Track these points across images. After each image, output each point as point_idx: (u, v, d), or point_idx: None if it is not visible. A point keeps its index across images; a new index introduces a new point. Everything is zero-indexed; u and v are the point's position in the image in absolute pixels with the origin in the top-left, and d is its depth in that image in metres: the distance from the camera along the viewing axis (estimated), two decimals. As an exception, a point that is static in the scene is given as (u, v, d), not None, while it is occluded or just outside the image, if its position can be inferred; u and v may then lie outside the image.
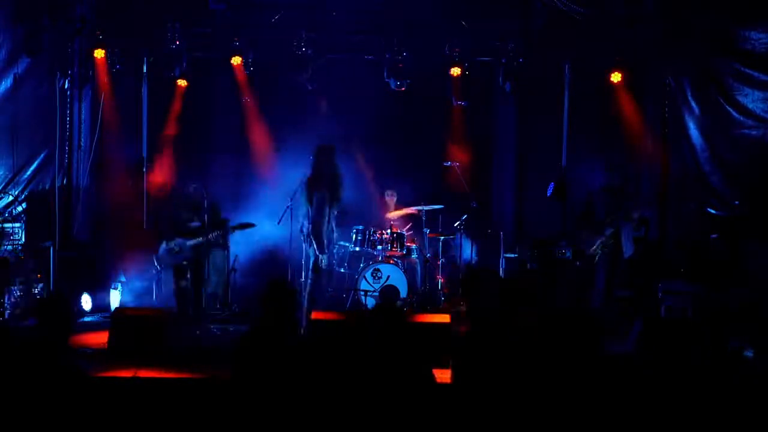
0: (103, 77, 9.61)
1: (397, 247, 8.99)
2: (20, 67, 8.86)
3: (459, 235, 9.51)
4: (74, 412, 3.63)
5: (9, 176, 8.92)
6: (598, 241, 7.65)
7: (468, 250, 9.92)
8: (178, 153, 10.03)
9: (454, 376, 3.83)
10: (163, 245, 7.82)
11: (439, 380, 3.95)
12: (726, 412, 4.69)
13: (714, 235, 8.51)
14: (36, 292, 8.21)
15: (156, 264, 8.46)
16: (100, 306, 8.89)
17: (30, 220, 8.64)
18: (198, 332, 7.56)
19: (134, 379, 5.66)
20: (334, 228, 8.13)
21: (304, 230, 7.94)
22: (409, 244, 9.26)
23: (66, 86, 9.45)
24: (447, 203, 9.42)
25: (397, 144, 10.19)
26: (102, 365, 6.09)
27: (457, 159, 9.64)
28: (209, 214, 7.81)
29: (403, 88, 9.70)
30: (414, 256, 9.36)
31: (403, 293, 8.44)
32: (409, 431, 3.64)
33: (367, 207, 9.74)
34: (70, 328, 4.06)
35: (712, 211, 8.93)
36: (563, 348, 3.81)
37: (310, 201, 7.92)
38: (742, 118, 8.79)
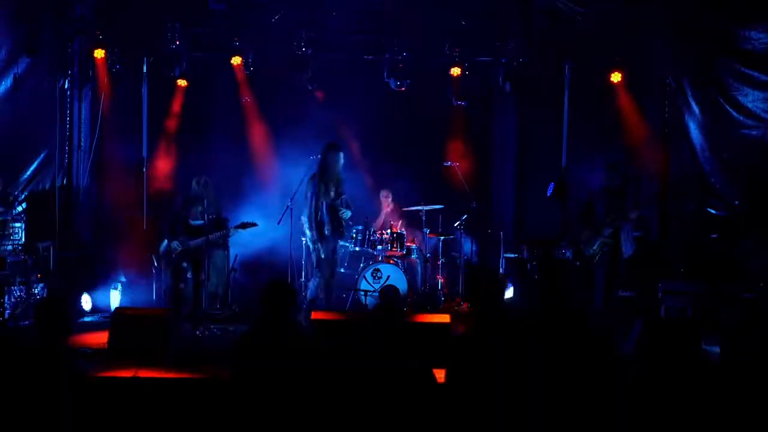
0: (103, 77, 9.61)
1: (397, 247, 8.99)
2: (20, 67, 8.85)
3: (459, 234, 9.53)
4: (73, 413, 3.63)
5: (9, 176, 8.91)
6: (598, 242, 7.65)
7: (468, 250, 9.95)
8: (178, 153, 10.04)
9: (447, 376, 3.83)
10: (164, 243, 7.80)
11: (439, 380, 3.96)
12: (725, 412, 4.69)
13: (714, 235, 8.51)
14: (36, 292, 8.20)
15: (156, 263, 8.48)
16: (100, 306, 8.88)
17: (30, 220, 8.63)
18: (198, 332, 7.56)
19: (134, 379, 5.66)
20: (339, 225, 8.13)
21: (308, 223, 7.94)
22: (409, 244, 9.26)
23: (66, 86, 9.45)
24: (447, 203, 9.42)
25: (397, 144, 10.20)
26: (102, 365, 6.08)
27: (457, 159, 9.65)
28: (214, 211, 7.79)
29: (403, 88, 9.70)
30: (414, 256, 9.36)
31: (403, 293, 8.44)
32: (409, 431, 3.64)
33: (367, 207, 9.75)
34: (68, 330, 4.05)
35: (712, 211, 8.93)
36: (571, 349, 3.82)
37: (316, 196, 7.92)
38: (742, 118, 8.79)
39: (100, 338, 6.97)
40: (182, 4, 9.41)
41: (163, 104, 10.05)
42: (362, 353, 4.01)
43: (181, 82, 9.89)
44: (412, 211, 9.48)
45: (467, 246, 9.90)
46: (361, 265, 8.91)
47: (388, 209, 9.96)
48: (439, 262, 9.57)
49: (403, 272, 8.71)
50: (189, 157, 9.96)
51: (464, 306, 9.48)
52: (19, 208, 8.98)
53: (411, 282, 8.85)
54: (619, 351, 6.46)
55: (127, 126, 9.87)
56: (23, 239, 8.29)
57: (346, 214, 7.98)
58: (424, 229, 9.25)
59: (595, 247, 7.68)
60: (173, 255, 7.73)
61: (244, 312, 8.89)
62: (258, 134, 10.32)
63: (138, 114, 9.92)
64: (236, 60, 9.67)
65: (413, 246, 9.33)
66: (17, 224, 8.29)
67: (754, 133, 8.73)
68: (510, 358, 3.65)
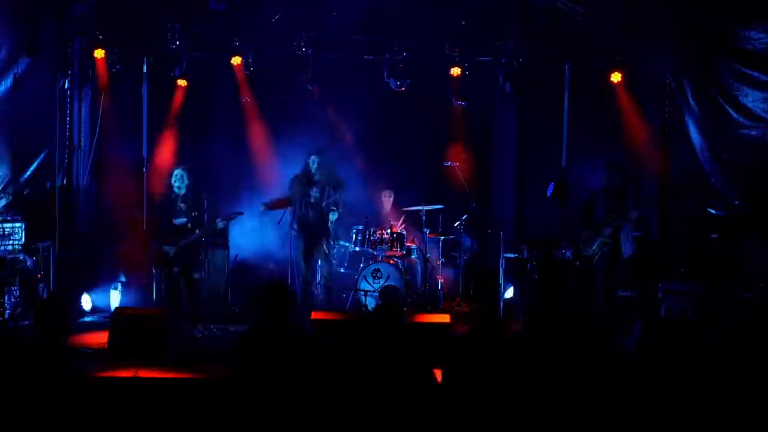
0: (103, 77, 9.59)
1: (397, 247, 8.99)
2: (20, 67, 8.84)
3: (459, 234, 9.54)
4: (73, 413, 3.63)
5: (9, 176, 8.91)
6: (598, 242, 7.65)
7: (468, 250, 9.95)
8: (178, 153, 10.03)
9: (444, 375, 3.83)
10: (154, 247, 7.71)
11: (439, 380, 3.96)
12: (725, 412, 4.68)
13: (714, 235, 8.51)
14: (38, 292, 8.19)
15: (156, 263, 8.46)
16: (100, 306, 8.88)
17: (30, 220, 8.62)
18: (198, 332, 7.56)
19: (134, 379, 5.66)
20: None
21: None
22: (409, 244, 9.26)
23: (66, 86, 9.44)
24: (447, 203, 9.42)
25: (397, 144, 10.20)
26: (102, 365, 6.08)
27: (457, 159, 9.64)
28: (198, 204, 7.68)
29: (403, 88, 9.70)
30: (414, 256, 9.36)
31: (403, 293, 8.44)
32: (409, 431, 3.64)
33: (367, 207, 9.75)
34: (68, 330, 4.05)
35: (712, 211, 8.93)
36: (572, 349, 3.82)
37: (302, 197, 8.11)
38: (742, 118, 8.79)
39: (100, 338, 6.98)
40: (182, 4, 9.40)
41: (163, 104, 10.04)
42: (362, 353, 4.01)
43: (181, 82, 9.88)
44: (412, 211, 9.48)
45: (467, 245, 9.91)
46: (361, 265, 8.91)
47: (390, 209, 9.96)
48: (439, 262, 9.57)
49: (403, 272, 8.71)
50: (189, 157, 9.94)
51: (464, 306, 9.49)
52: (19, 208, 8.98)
53: (411, 282, 8.85)
54: (619, 350, 6.46)
55: (127, 126, 9.85)
56: (23, 239, 8.29)
57: (332, 215, 8.15)
58: (424, 229, 9.25)
59: (594, 247, 7.68)
60: (166, 259, 7.60)
61: (244, 312, 8.89)
62: (258, 134, 10.32)
63: (138, 114, 9.89)
64: (236, 60, 9.66)
65: (413, 246, 9.33)
66: (17, 224, 8.29)
67: (754, 133, 8.72)
68: (510, 359, 3.65)
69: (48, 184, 9.30)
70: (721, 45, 8.91)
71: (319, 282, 8.67)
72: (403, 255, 9.10)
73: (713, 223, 8.77)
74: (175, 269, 7.64)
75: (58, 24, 9.15)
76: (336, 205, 8.19)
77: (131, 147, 9.88)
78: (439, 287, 9.40)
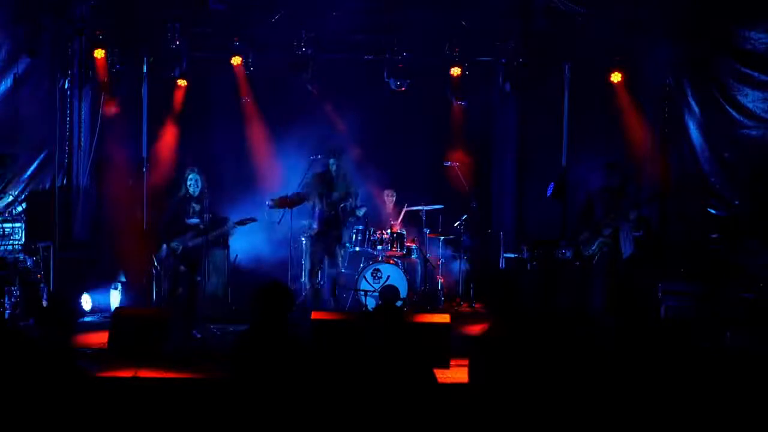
0: (103, 77, 9.59)
1: (397, 247, 8.99)
2: (20, 67, 8.85)
3: (459, 234, 9.54)
4: (76, 413, 3.63)
5: (9, 176, 8.91)
6: (597, 242, 7.65)
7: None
8: (178, 153, 10.03)
9: (472, 375, 3.80)
10: (164, 248, 7.67)
11: (439, 380, 3.95)
12: (725, 413, 4.69)
13: (714, 235, 8.51)
14: (38, 292, 8.19)
15: (156, 264, 8.45)
16: (100, 306, 8.88)
17: (30, 220, 8.62)
18: (198, 332, 7.56)
19: (134, 379, 5.66)
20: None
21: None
22: (409, 244, 9.26)
23: (66, 86, 9.44)
24: (447, 203, 9.42)
25: (397, 144, 10.20)
26: (102, 365, 6.08)
27: (457, 159, 9.65)
28: (209, 206, 7.71)
29: (403, 88, 9.71)
30: (414, 256, 9.36)
31: (403, 293, 8.44)
32: (409, 431, 3.64)
33: (367, 207, 9.75)
34: (73, 330, 4.05)
35: (712, 211, 8.93)
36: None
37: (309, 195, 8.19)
38: (742, 118, 8.79)
39: (100, 338, 6.97)
40: (182, 4, 9.41)
41: (163, 104, 10.05)
42: (362, 353, 4.00)
43: (181, 82, 9.89)
44: (412, 211, 9.48)
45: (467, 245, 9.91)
46: (361, 265, 8.91)
47: (392, 209, 9.95)
48: (439, 262, 9.58)
49: (403, 272, 8.71)
50: (189, 157, 9.94)
51: (464, 306, 9.49)
52: (19, 208, 8.98)
53: (411, 282, 8.85)
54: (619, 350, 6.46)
55: (127, 126, 9.86)
56: (23, 239, 8.29)
57: (358, 211, 8.43)
58: (424, 229, 9.25)
59: (594, 247, 7.68)
60: (173, 257, 7.60)
61: (244, 312, 8.88)
62: (258, 134, 10.32)
63: (138, 114, 9.91)
64: (236, 60, 9.67)
65: (413, 246, 9.33)
66: (17, 224, 8.29)
67: (754, 133, 8.73)
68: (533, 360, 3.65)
69: (48, 184, 9.31)
70: (721, 45, 8.91)
71: (323, 283, 8.66)
72: (403, 255, 9.10)
73: (713, 223, 8.77)
74: (182, 268, 7.64)
75: (58, 24, 9.14)
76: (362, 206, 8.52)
77: (131, 147, 9.89)
78: (439, 287, 9.41)
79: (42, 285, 8.30)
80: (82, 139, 9.73)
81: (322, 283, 8.67)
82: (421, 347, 6.02)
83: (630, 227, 7.66)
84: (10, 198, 8.90)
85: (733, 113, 8.83)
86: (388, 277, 8.64)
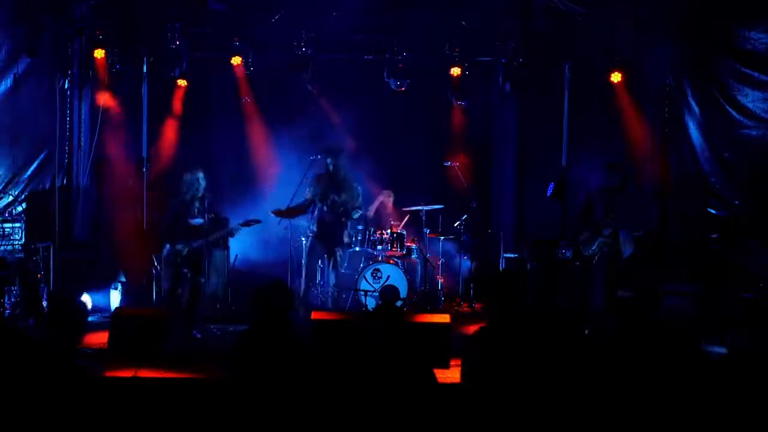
0: (103, 77, 9.60)
1: (397, 247, 8.99)
2: (20, 67, 8.85)
3: (459, 234, 9.54)
4: (76, 413, 3.63)
5: (9, 176, 8.92)
6: (597, 242, 7.65)
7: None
8: (178, 153, 10.03)
9: (464, 376, 3.81)
10: (167, 248, 7.64)
11: (440, 380, 3.95)
12: (726, 413, 4.68)
13: (714, 235, 8.51)
14: (38, 292, 8.19)
15: (156, 264, 8.45)
16: (100, 306, 8.88)
17: (30, 220, 8.63)
18: (198, 332, 7.55)
19: (134, 379, 5.66)
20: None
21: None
22: (409, 244, 9.26)
23: (66, 86, 9.44)
24: (447, 203, 9.42)
25: (396, 144, 10.20)
26: (102, 365, 6.08)
27: (457, 159, 9.64)
28: (210, 207, 7.70)
29: (403, 88, 9.71)
30: (414, 256, 9.36)
31: (403, 293, 8.44)
32: (410, 431, 3.64)
33: (367, 207, 9.75)
34: (84, 331, 4.05)
35: (712, 211, 8.93)
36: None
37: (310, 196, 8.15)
38: (742, 118, 8.79)
39: (100, 338, 6.97)
40: (182, 4, 9.41)
41: (163, 104, 10.05)
42: (362, 353, 4.00)
43: (181, 82, 9.89)
44: (412, 211, 9.47)
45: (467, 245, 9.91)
46: (361, 265, 8.91)
47: (391, 209, 9.95)
48: (439, 262, 9.58)
49: (403, 272, 8.71)
50: (189, 157, 9.95)
51: (464, 306, 9.49)
52: (19, 208, 8.98)
53: (411, 282, 8.85)
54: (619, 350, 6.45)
55: (127, 126, 9.87)
56: (23, 239, 8.29)
57: (355, 214, 8.27)
58: (424, 229, 9.25)
59: (594, 247, 7.68)
60: (178, 259, 7.57)
61: (244, 312, 8.88)
62: (258, 134, 10.31)
63: (138, 114, 9.92)
64: (236, 60, 9.67)
65: (413, 246, 9.33)
66: (17, 224, 8.28)
67: (754, 133, 8.73)
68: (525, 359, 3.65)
69: (48, 184, 9.32)
70: (721, 45, 8.91)
71: (323, 286, 8.65)
72: (403, 255, 9.10)
73: (713, 223, 8.77)
74: (184, 270, 7.62)
75: (58, 24, 9.15)
76: (357, 209, 8.41)
77: (131, 147, 9.89)
78: (439, 287, 9.41)
79: (42, 285, 8.29)
80: (82, 139, 9.74)
81: (321, 283, 8.68)
82: (421, 347, 6.03)
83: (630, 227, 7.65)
84: (10, 198, 8.90)
85: (733, 113, 8.83)
86: (388, 277, 8.64)
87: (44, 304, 8.10)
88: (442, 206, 9.33)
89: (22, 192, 9.07)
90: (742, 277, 7.80)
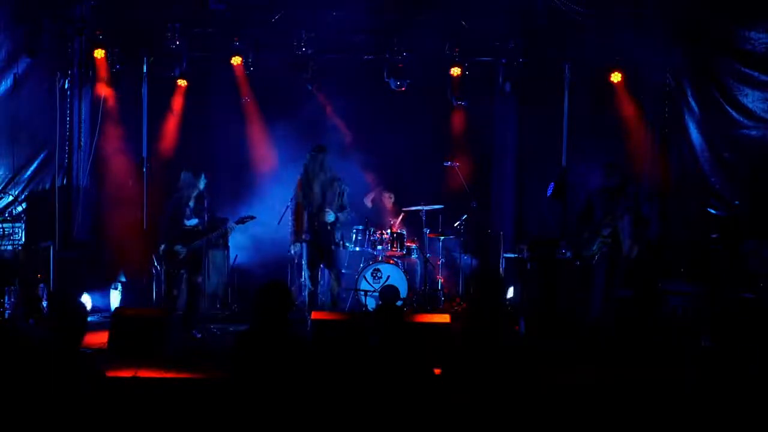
0: (103, 77, 9.61)
1: (397, 247, 8.99)
2: (20, 67, 8.85)
3: (459, 234, 9.53)
4: (76, 413, 3.63)
5: (9, 176, 8.92)
6: (597, 242, 7.65)
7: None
8: (178, 153, 10.03)
9: (443, 370, 3.82)
10: (162, 246, 7.61)
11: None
12: (725, 412, 4.69)
13: (714, 235, 8.51)
14: (38, 292, 8.19)
15: (156, 263, 8.45)
16: (100, 306, 8.89)
17: (30, 220, 8.62)
18: (198, 332, 7.56)
19: (134, 379, 5.66)
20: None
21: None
22: (409, 244, 9.26)
23: (66, 86, 9.45)
24: (447, 203, 9.42)
25: (396, 144, 10.19)
26: (102, 365, 6.07)
27: (457, 159, 9.64)
28: (208, 206, 7.68)
29: (403, 88, 9.71)
30: (414, 256, 9.36)
31: (403, 293, 8.44)
32: (410, 430, 3.64)
33: (367, 207, 9.76)
34: (84, 332, 4.05)
35: (712, 211, 8.93)
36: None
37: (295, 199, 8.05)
38: (742, 118, 8.79)
39: (100, 338, 6.98)
40: (182, 4, 9.41)
41: (163, 104, 10.05)
42: (362, 353, 4.01)
43: (181, 82, 9.89)
44: (411, 210, 9.47)
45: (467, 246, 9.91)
46: (361, 265, 8.91)
47: (390, 210, 9.94)
48: (439, 262, 9.58)
49: (403, 272, 8.71)
50: (189, 157, 9.95)
51: (464, 306, 9.49)
52: (19, 208, 8.98)
53: (411, 282, 8.85)
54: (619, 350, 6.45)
55: (127, 126, 9.87)
56: (23, 239, 8.29)
57: (328, 216, 7.86)
58: (424, 229, 9.25)
59: (594, 247, 7.68)
60: (174, 259, 7.55)
61: (244, 312, 8.89)
62: (257, 134, 10.31)
63: (138, 114, 9.92)
64: (236, 60, 9.67)
65: (413, 246, 9.33)
66: (17, 224, 8.28)
67: (754, 133, 8.73)
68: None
69: (48, 184, 9.32)
70: (721, 45, 8.91)
71: (323, 283, 8.61)
72: (403, 255, 9.10)
73: (713, 223, 8.77)
74: (182, 272, 7.61)
75: (58, 24, 9.15)
76: (341, 208, 8.00)
77: (131, 147, 9.90)
78: (439, 287, 9.40)
79: (42, 285, 8.30)
80: (82, 139, 9.74)
81: (322, 282, 8.64)
82: (421, 347, 6.03)
83: (629, 224, 7.64)
84: (10, 198, 8.90)
85: (733, 113, 8.83)
86: (388, 277, 8.64)
87: (44, 304, 8.10)
88: (442, 206, 9.33)
89: (22, 192, 9.06)
90: (742, 277, 7.80)
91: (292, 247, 8.26)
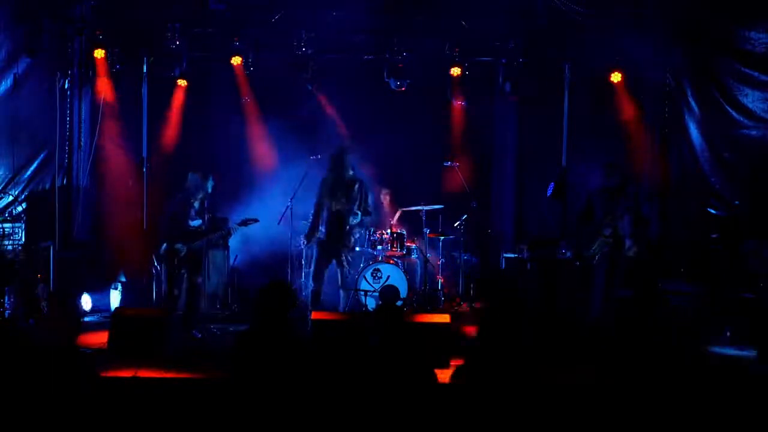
0: (103, 77, 9.61)
1: (397, 247, 8.99)
2: (20, 67, 8.85)
3: (459, 234, 9.53)
4: (76, 413, 3.63)
5: (9, 176, 8.92)
6: (597, 242, 7.65)
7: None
8: (178, 153, 10.03)
9: (466, 377, 3.80)
10: (164, 246, 7.62)
11: (440, 380, 3.95)
12: (726, 412, 4.69)
13: (714, 235, 8.52)
14: (38, 292, 8.18)
15: (156, 263, 8.45)
16: (100, 306, 8.88)
17: (30, 220, 8.63)
18: (198, 332, 7.55)
19: (134, 379, 5.66)
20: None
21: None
22: (409, 244, 9.26)
23: (66, 86, 9.45)
24: (447, 203, 9.42)
25: (396, 144, 10.19)
26: (102, 365, 6.08)
27: (457, 159, 9.63)
28: (210, 208, 7.69)
29: (403, 88, 9.70)
30: (414, 256, 9.36)
31: (403, 293, 8.43)
32: (410, 430, 3.64)
33: (373, 215, 9.74)
34: (78, 331, 4.05)
35: (712, 211, 8.93)
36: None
37: (318, 199, 8.07)
38: (742, 118, 8.79)
39: (100, 338, 6.98)
40: (182, 4, 9.40)
41: (163, 104, 10.05)
42: (362, 353, 4.01)
43: (181, 82, 9.89)
44: (411, 210, 9.47)
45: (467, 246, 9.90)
46: (361, 265, 8.91)
47: (388, 208, 9.94)
48: (439, 262, 9.57)
49: (403, 272, 8.70)
50: (189, 157, 9.95)
51: (464, 306, 9.48)
52: (19, 208, 8.98)
53: (411, 282, 8.85)
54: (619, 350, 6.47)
55: (127, 126, 9.87)
56: (23, 239, 8.29)
57: (354, 219, 7.98)
58: (424, 229, 9.25)
59: (594, 247, 7.68)
60: (175, 260, 7.55)
61: (244, 312, 8.89)
62: (257, 134, 10.31)
63: (138, 114, 9.92)
64: (236, 60, 9.67)
65: (413, 246, 9.32)
66: (17, 224, 8.28)
67: (754, 133, 8.73)
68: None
69: (48, 184, 9.31)
70: (721, 45, 8.91)
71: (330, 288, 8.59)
72: (403, 255, 9.09)
73: (713, 223, 8.77)
74: (182, 271, 7.60)
75: (58, 24, 9.15)
76: (366, 212, 8.11)
77: (131, 147, 9.90)
78: (439, 287, 9.40)
79: (42, 285, 8.29)
80: (82, 139, 9.75)
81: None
82: (421, 347, 6.03)
83: (629, 224, 7.65)
84: (11, 198, 8.90)
85: (733, 113, 8.83)
86: (388, 277, 8.64)
87: (44, 304, 8.09)
88: (442, 206, 9.33)
89: (22, 192, 9.06)
90: (742, 277, 7.80)
91: (305, 246, 8.32)
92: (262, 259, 9.59)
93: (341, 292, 8.26)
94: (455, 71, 9.73)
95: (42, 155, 9.30)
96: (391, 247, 8.96)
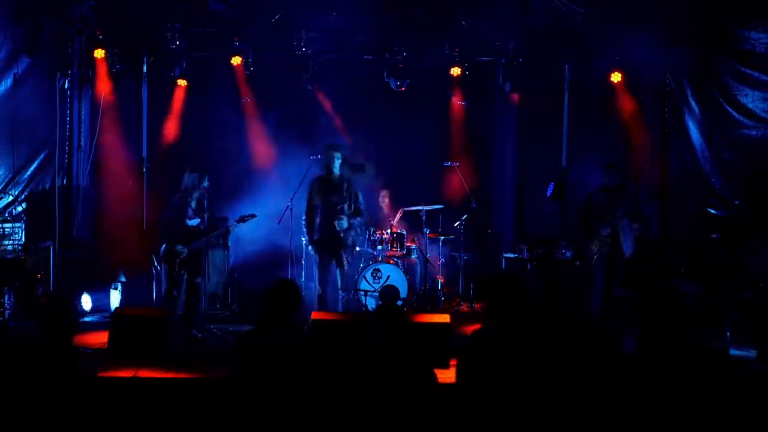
0: (103, 77, 9.61)
1: (397, 247, 8.99)
2: (20, 67, 8.85)
3: (459, 234, 9.53)
4: (76, 413, 3.63)
5: (9, 176, 8.92)
6: (597, 242, 7.65)
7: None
8: (178, 153, 10.03)
9: (459, 377, 3.80)
10: (164, 247, 7.62)
11: (440, 380, 3.95)
12: (726, 411, 4.69)
13: (714, 235, 8.52)
14: (38, 292, 8.19)
15: (156, 263, 8.45)
16: (100, 306, 8.88)
17: (30, 220, 8.62)
18: (198, 332, 7.55)
19: (134, 379, 5.67)
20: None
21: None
22: (409, 244, 9.26)
23: (66, 86, 9.44)
24: (447, 203, 9.42)
25: (397, 144, 10.20)
26: (102, 365, 6.08)
27: (457, 159, 9.64)
28: (209, 207, 7.68)
29: (403, 88, 9.71)
30: (414, 256, 9.36)
31: (403, 293, 8.44)
32: (410, 431, 3.64)
33: (366, 207, 9.74)
34: (75, 329, 4.05)
35: (712, 211, 8.93)
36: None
37: (308, 199, 8.04)
38: (742, 118, 8.80)
39: (100, 338, 6.98)
40: (182, 4, 9.40)
41: (163, 104, 10.05)
42: (362, 353, 4.01)
43: (181, 82, 9.89)
44: (411, 211, 9.47)
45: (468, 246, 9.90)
46: (361, 265, 8.91)
47: (387, 209, 9.94)
48: (439, 262, 9.58)
49: (403, 272, 8.71)
50: (189, 157, 9.94)
51: (464, 306, 9.49)
52: (19, 208, 8.98)
53: (411, 282, 8.85)
54: (620, 351, 6.47)
55: (127, 126, 9.87)
56: (23, 239, 8.29)
57: (341, 224, 7.95)
58: (424, 229, 9.25)
59: (594, 247, 7.68)
60: (176, 261, 7.54)
61: (244, 312, 8.89)
62: (258, 134, 10.31)
63: (138, 114, 9.92)
64: (236, 60, 9.68)
65: (413, 246, 9.33)
66: (17, 224, 8.28)
67: (754, 133, 8.73)
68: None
69: (48, 184, 9.31)
70: (721, 45, 8.92)
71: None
72: (403, 255, 9.10)
73: (713, 223, 8.78)
74: (182, 272, 7.60)
75: (58, 24, 9.14)
76: (357, 212, 8.09)
77: (131, 147, 9.90)
78: (439, 287, 9.40)
79: (42, 285, 8.29)
80: (82, 139, 9.74)
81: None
82: (421, 347, 6.03)
83: (630, 226, 7.65)
84: (11, 198, 8.90)
85: (733, 113, 8.84)
86: (388, 277, 8.64)
87: (44, 304, 8.08)
88: (442, 206, 9.33)
89: (22, 192, 9.06)
90: (742, 277, 7.80)
91: (308, 246, 8.30)
92: (261, 260, 9.58)
93: (340, 292, 8.26)
94: (455, 71, 9.73)
95: (42, 155, 9.30)
96: (391, 247, 8.96)
